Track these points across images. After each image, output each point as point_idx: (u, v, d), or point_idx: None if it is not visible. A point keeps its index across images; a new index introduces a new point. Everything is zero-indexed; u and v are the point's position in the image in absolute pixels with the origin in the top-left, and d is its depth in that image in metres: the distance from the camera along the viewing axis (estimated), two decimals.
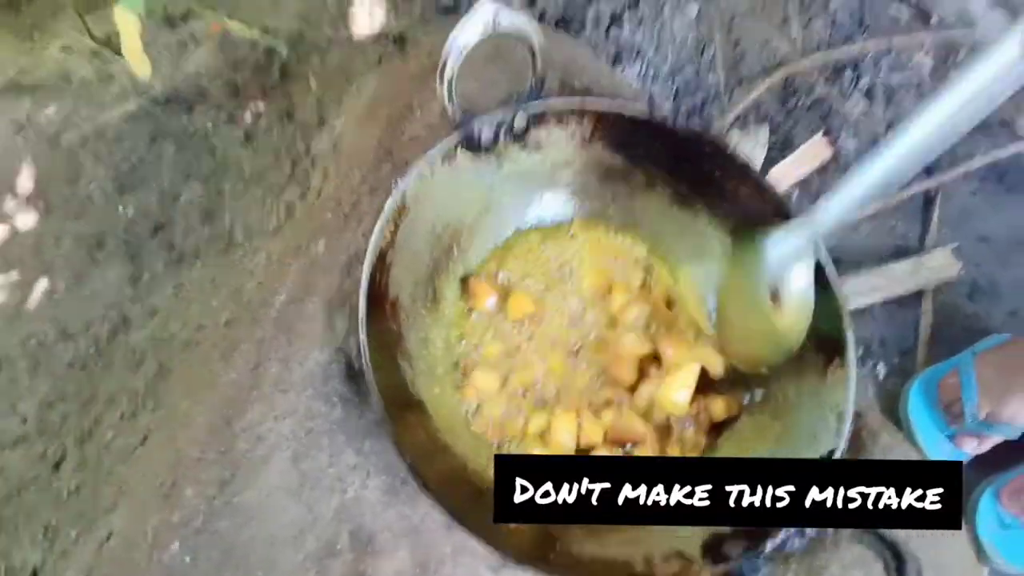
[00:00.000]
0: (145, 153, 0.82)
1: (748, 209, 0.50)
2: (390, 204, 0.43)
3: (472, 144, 0.47)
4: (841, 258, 0.90)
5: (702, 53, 0.90)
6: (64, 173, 0.80)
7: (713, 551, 0.36)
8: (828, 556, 0.36)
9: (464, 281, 0.51)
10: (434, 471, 0.38)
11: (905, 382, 0.78)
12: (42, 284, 0.71)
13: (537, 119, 0.49)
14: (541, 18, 0.93)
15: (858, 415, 0.48)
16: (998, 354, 0.74)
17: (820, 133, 0.89)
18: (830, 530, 0.36)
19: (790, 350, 0.42)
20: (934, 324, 0.84)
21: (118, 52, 0.96)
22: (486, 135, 0.47)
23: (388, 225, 0.42)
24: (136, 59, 0.76)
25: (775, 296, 0.42)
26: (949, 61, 1.09)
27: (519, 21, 0.41)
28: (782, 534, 0.35)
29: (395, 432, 0.37)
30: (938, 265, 0.86)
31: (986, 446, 0.72)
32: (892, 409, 0.77)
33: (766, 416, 0.46)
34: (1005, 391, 0.70)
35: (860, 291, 0.82)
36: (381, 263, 0.42)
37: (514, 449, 0.43)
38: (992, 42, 0.31)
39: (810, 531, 0.35)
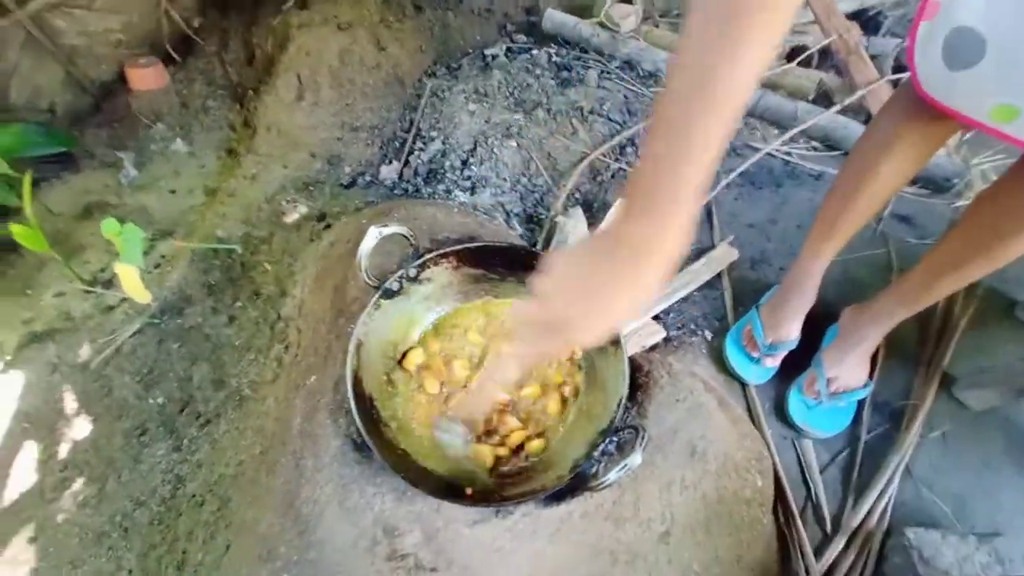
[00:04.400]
0: (157, 355, 1.09)
1: None
2: (352, 344, 0.75)
3: (389, 294, 0.81)
4: None
5: (528, 167, 1.31)
6: (99, 389, 1.05)
7: (575, 467, 0.68)
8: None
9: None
10: (420, 480, 0.68)
11: (726, 338, 1.14)
12: (110, 474, 0.95)
13: (421, 267, 0.84)
14: (416, 173, 1.32)
15: (648, 372, 0.83)
16: (770, 302, 1.12)
17: (619, 198, 1.30)
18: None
19: None
20: (734, 293, 1.23)
21: (106, 287, 1.25)
22: (395, 287, 0.81)
23: (353, 356, 0.74)
24: (138, 293, 1.06)
25: None
26: None
27: (393, 228, 0.76)
28: (601, 447, 0.67)
29: (392, 466, 0.67)
30: (722, 255, 1.26)
31: (778, 360, 1.08)
32: (719, 358, 1.12)
33: (597, 391, 0.79)
34: (776, 322, 1.07)
35: (677, 288, 1.20)
36: (356, 378, 0.73)
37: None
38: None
39: (616, 442, 0.68)
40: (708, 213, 1.37)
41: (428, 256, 0.83)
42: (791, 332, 1.07)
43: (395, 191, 1.29)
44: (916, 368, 1.12)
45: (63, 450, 0.98)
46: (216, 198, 1.36)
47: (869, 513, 0.95)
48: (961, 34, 0.60)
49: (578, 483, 0.65)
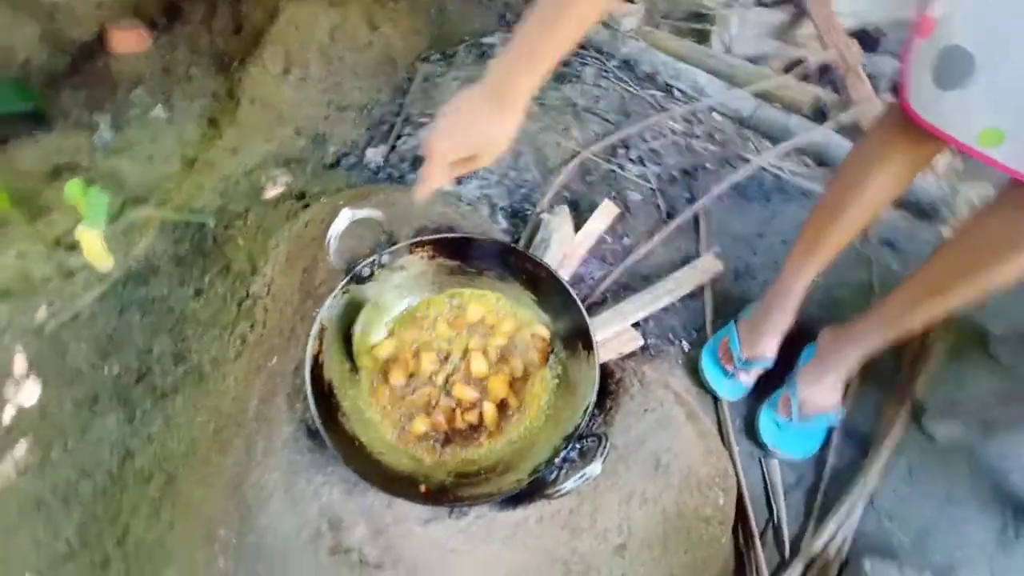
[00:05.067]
0: (116, 324, 1.05)
1: (533, 275, 0.84)
2: (315, 327, 0.72)
3: (359, 279, 0.78)
4: (648, 275, 1.27)
5: (518, 161, 1.29)
6: (52, 355, 1.01)
7: (534, 472, 0.66)
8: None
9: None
10: (372, 473, 0.66)
11: (702, 350, 1.13)
12: (56, 441, 0.91)
13: (395, 255, 0.81)
14: (402, 159, 1.28)
15: (620, 380, 0.81)
16: (749, 317, 1.11)
17: (606, 199, 1.28)
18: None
19: None
20: (715, 305, 1.21)
21: (69, 249, 1.20)
22: (365, 272, 0.79)
23: (315, 341, 0.71)
24: (100, 259, 1.02)
25: None
26: (693, 121, 1.56)
27: (366, 212, 0.73)
28: (563, 453, 0.66)
29: (343, 456, 0.64)
30: (707, 266, 1.24)
31: (753, 377, 1.07)
32: (694, 369, 1.11)
33: (567, 394, 0.78)
34: (754, 338, 1.06)
35: (659, 296, 1.18)
36: (316, 363, 0.71)
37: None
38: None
39: (579, 449, 0.66)
40: (696, 222, 1.35)
41: (403, 244, 0.81)
42: (768, 349, 1.06)
43: (379, 175, 1.26)
44: (888, 396, 1.12)
45: (8, 413, 0.94)
46: (193, 168, 1.32)
47: (830, 541, 0.94)
48: (952, 53, 0.59)
49: (535, 488, 0.63)
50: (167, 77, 1.51)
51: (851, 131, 1.51)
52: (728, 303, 1.22)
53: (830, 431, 1.06)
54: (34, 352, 1.01)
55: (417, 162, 1.27)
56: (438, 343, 0.82)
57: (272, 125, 1.33)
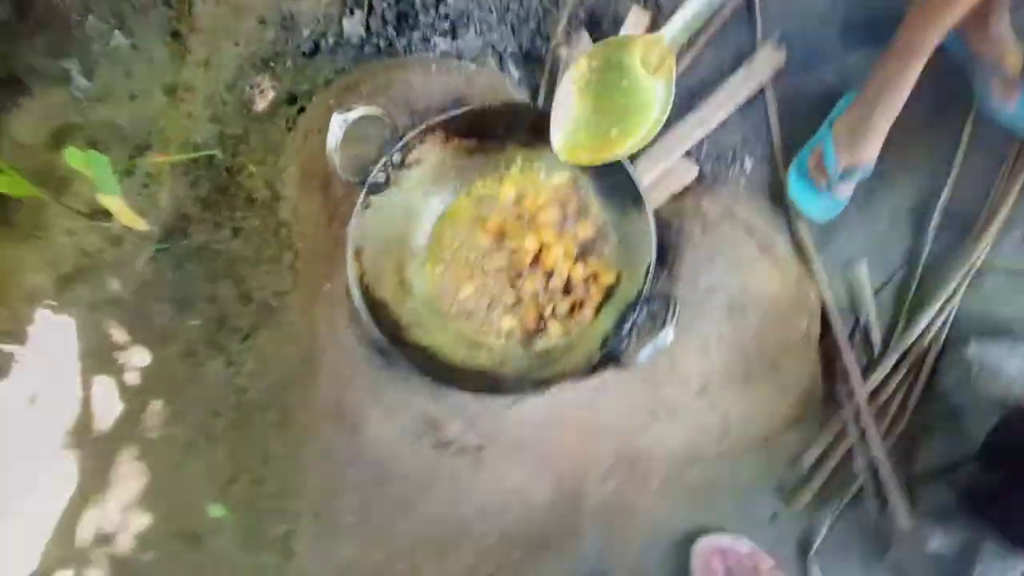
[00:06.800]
0: (180, 279, 1.09)
1: None
2: (349, 251, 0.69)
3: (376, 188, 0.72)
4: (697, 91, 1.07)
5: None
6: (139, 317, 1.09)
7: (603, 343, 0.65)
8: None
9: None
10: (449, 377, 0.68)
11: (769, 165, 0.98)
12: (179, 393, 1.03)
13: (406, 150, 0.72)
14: (384, 22, 1.09)
15: (679, 229, 0.74)
16: (845, 117, 0.88)
17: (633, 5, 1.04)
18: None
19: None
20: (782, 106, 1.02)
21: (108, 216, 1.21)
22: (381, 178, 0.72)
23: (354, 264, 0.69)
24: (132, 222, 1.01)
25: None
26: None
27: (358, 112, 0.64)
28: (629, 322, 0.63)
29: (420, 369, 0.66)
30: (766, 60, 1.02)
31: (851, 189, 0.91)
32: (764, 189, 0.98)
33: (624, 257, 0.72)
34: (855, 141, 0.86)
35: (710, 114, 1.01)
36: (363, 286, 0.69)
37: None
38: None
39: (647, 311, 0.63)
40: (748, 6, 1.08)
41: (411, 135, 0.72)
42: (872, 151, 0.84)
43: (365, 50, 1.09)
44: (1000, 169, 0.96)
45: (130, 378, 1.05)
46: (176, 96, 1.21)
47: (927, 328, 0.89)
48: None
49: (608, 360, 0.63)
50: None
51: None
52: (800, 100, 1.02)
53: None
54: (126, 320, 1.09)
55: (402, 23, 1.08)
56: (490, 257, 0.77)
57: (233, 20, 1.16)
